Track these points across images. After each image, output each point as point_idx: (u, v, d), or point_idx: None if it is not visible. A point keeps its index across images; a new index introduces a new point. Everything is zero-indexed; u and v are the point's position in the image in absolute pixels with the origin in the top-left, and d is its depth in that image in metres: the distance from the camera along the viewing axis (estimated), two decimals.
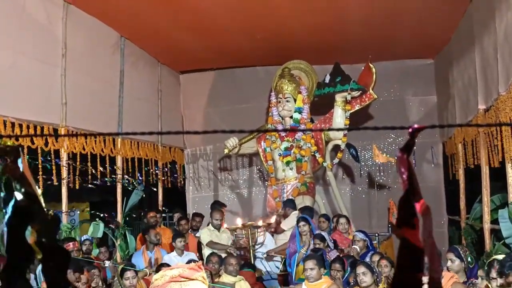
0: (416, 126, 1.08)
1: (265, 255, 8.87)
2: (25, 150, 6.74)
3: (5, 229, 1.19)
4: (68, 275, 5.32)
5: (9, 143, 1.22)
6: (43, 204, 1.27)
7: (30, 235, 1.22)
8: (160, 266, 6.85)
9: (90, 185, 8.71)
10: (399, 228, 1.09)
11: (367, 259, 7.02)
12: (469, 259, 6.36)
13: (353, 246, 7.94)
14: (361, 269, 5.94)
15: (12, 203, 1.20)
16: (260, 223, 8.79)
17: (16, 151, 1.23)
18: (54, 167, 7.50)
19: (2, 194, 1.21)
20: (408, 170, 1.05)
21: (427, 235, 1.07)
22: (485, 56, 7.69)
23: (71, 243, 7.13)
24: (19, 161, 1.22)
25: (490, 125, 7.41)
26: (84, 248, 7.82)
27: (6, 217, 1.20)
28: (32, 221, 1.22)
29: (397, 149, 1.08)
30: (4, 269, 1.19)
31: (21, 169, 1.22)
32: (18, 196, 1.21)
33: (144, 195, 10.50)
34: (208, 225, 9.04)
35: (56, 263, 1.25)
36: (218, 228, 8.73)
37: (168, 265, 6.84)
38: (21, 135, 6.50)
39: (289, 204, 9.59)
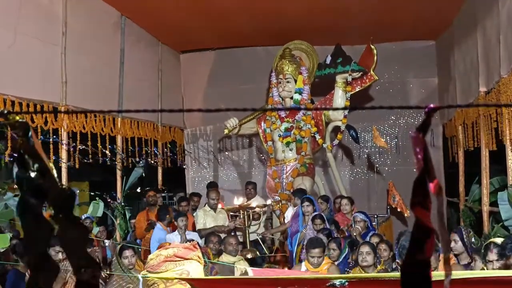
0: (432, 105, 1.07)
1: (260, 236, 8.94)
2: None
3: (20, 205, 1.19)
4: (52, 254, 5.35)
5: (18, 118, 1.22)
6: (57, 179, 1.27)
7: (46, 210, 1.22)
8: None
9: (90, 164, 8.71)
10: (412, 208, 1.09)
11: (368, 239, 7.08)
12: (473, 240, 6.39)
13: (355, 227, 7.98)
14: (365, 249, 6.01)
15: (26, 178, 1.20)
16: (254, 204, 8.83)
17: (26, 126, 1.23)
18: (52, 146, 7.50)
19: (16, 170, 1.21)
20: (424, 150, 1.05)
21: (440, 215, 1.08)
22: (488, 39, 7.67)
23: None
24: (29, 136, 1.22)
25: (500, 105, 7.37)
26: None
27: (21, 192, 1.20)
28: (48, 195, 1.22)
29: (413, 129, 1.08)
30: (25, 246, 1.20)
31: (31, 144, 1.22)
32: (32, 171, 1.21)
33: (144, 174, 10.52)
34: (204, 205, 9.05)
35: (74, 237, 1.26)
36: (214, 208, 8.73)
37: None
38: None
39: (251, 184, 10.09)
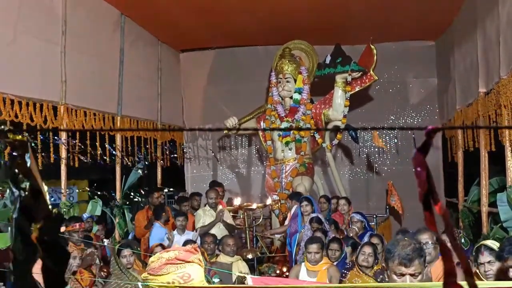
0: (431, 127, 1.07)
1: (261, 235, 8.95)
2: (24, 127, 6.73)
3: (13, 225, 1.19)
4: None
5: (18, 138, 1.21)
6: (48, 201, 1.27)
7: (32, 232, 1.22)
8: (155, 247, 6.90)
9: (89, 162, 8.69)
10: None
11: (366, 239, 7.08)
12: (462, 241, 6.38)
13: (352, 227, 8.01)
14: (368, 250, 6.02)
15: (18, 199, 1.20)
16: (254, 205, 8.83)
17: (25, 146, 1.23)
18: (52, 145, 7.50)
19: (10, 190, 1.21)
20: (426, 171, 1.04)
21: (451, 237, 1.07)
22: (487, 40, 7.67)
23: (77, 224, 6.99)
24: (27, 156, 1.22)
25: (501, 127, 7.35)
26: (86, 225, 7.83)
27: (14, 212, 1.20)
28: (36, 217, 1.22)
29: (414, 151, 1.08)
30: (11, 265, 1.19)
31: (28, 165, 1.22)
32: (24, 191, 1.21)
33: (142, 174, 10.51)
34: (205, 205, 9.05)
35: (55, 262, 1.26)
36: (214, 207, 8.71)
37: (163, 245, 6.89)
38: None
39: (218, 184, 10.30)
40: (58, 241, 1.30)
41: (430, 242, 4.79)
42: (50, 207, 1.27)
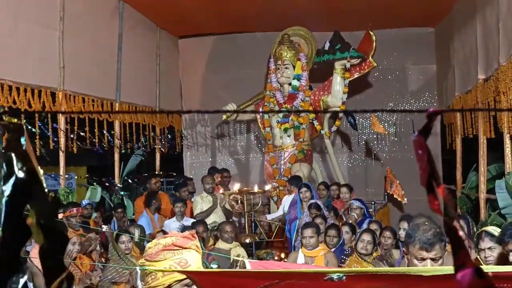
0: (433, 109, 1.06)
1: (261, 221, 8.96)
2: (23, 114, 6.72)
3: (3, 206, 1.18)
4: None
5: (13, 121, 1.21)
6: (44, 185, 1.26)
7: (28, 216, 1.21)
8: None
9: (87, 148, 8.69)
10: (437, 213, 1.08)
11: (365, 226, 7.10)
12: (474, 229, 6.41)
13: (351, 214, 8.04)
14: (368, 237, 6.05)
15: (12, 180, 1.19)
16: (255, 189, 8.84)
17: (20, 129, 1.22)
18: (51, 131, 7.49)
19: (3, 171, 1.20)
20: (427, 154, 1.03)
21: (451, 220, 1.06)
22: (487, 27, 7.66)
23: (74, 209, 6.98)
24: (22, 139, 1.21)
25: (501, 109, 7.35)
26: (85, 212, 7.85)
27: (6, 194, 1.19)
28: (32, 201, 1.22)
29: (415, 133, 1.06)
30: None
31: (23, 147, 1.21)
32: (19, 174, 1.20)
33: (142, 159, 10.53)
34: (203, 192, 9.08)
35: (53, 246, 1.25)
36: (211, 192, 8.70)
37: (164, 232, 6.91)
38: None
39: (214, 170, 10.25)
40: (55, 226, 1.29)
41: None
42: (46, 191, 1.26)
